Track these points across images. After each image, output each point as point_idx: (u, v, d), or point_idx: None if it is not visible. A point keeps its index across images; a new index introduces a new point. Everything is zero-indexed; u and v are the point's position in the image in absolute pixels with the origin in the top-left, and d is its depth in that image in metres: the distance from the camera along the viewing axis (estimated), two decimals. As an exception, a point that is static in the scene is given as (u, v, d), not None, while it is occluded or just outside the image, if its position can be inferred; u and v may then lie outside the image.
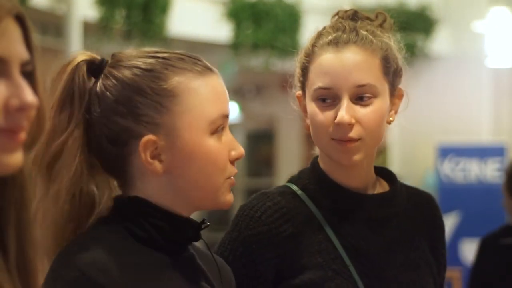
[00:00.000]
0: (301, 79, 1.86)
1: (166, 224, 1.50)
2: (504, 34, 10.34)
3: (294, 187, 1.86)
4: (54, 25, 8.86)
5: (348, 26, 1.85)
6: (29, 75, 1.13)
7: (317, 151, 1.91)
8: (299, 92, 1.88)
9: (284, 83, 1.93)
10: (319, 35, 1.85)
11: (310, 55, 1.83)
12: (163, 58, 1.52)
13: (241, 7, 9.99)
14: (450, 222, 7.60)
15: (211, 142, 1.51)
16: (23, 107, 1.08)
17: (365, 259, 1.80)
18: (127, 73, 1.51)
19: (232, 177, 1.56)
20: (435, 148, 9.08)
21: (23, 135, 1.09)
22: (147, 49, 1.57)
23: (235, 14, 9.99)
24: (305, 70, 1.84)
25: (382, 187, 1.91)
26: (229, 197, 1.55)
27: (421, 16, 11.87)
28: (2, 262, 1.11)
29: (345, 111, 1.77)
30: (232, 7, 10.03)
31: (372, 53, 1.83)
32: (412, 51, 11.71)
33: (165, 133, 1.49)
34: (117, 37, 9.06)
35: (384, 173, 1.94)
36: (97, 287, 1.39)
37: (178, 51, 1.56)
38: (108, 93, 1.50)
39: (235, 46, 9.90)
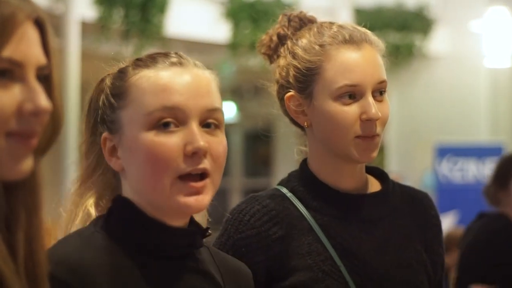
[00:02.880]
0: (303, 79, 1.84)
1: (146, 228, 1.46)
2: (502, 34, 10.36)
3: (284, 190, 1.86)
4: (52, 24, 8.83)
5: (352, 25, 1.86)
6: (46, 79, 1.13)
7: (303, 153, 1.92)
8: (291, 93, 1.85)
9: (259, 83, 1.92)
10: (319, 34, 1.84)
11: (320, 54, 1.82)
12: (139, 59, 1.52)
13: (239, 7, 10.00)
14: (448, 221, 7.60)
15: (148, 137, 1.42)
16: (36, 112, 1.08)
17: (356, 259, 1.80)
18: (106, 81, 1.54)
19: (188, 181, 1.41)
20: (433, 148, 9.09)
21: (34, 141, 1.09)
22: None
23: (233, 14, 10.00)
24: (314, 70, 1.82)
25: (374, 186, 1.91)
26: (185, 200, 1.41)
27: (419, 16, 11.89)
28: (12, 266, 1.11)
29: (375, 107, 1.79)
30: (230, 7, 10.04)
31: (379, 51, 1.85)
32: (410, 51, 11.73)
33: (115, 129, 1.48)
34: (115, 37, 9.06)
35: (375, 172, 1.93)
36: (62, 285, 1.35)
37: (160, 51, 1.54)
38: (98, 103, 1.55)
39: (233, 46, 9.91)
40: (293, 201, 1.83)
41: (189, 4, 9.82)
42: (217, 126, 1.46)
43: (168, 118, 1.42)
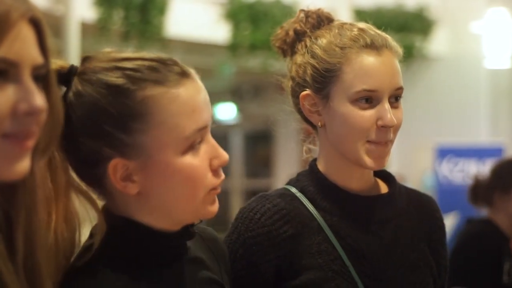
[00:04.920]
0: (320, 79, 1.83)
1: (153, 243, 1.43)
2: (502, 35, 10.35)
3: (293, 190, 1.86)
4: (52, 26, 8.83)
5: (373, 29, 1.86)
6: (43, 79, 1.12)
7: (315, 153, 1.92)
8: (307, 91, 1.85)
9: (278, 84, 1.91)
10: (340, 36, 1.84)
11: (340, 56, 1.81)
12: (131, 69, 1.40)
13: (239, 8, 10.00)
14: (448, 223, 7.59)
15: (186, 160, 1.40)
16: (31, 112, 1.07)
17: (365, 260, 1.81)
18: (91, 90, 1.40)
19: (216, 188, 1.45)
20: (433, 149, 9.08)
21: (31, 142, 1.08)
22: (118, 55, 1.44)
23: (233, 15, 10.00)
24: (333, 72, 1.82)
25: (381, 188, 1.92)
26: (212, 208, 1.46)
27: (419, 17, 11.88)
28: (10, 265, 1.11)
29: (391, 114, 1.80)
30: (230, 8, 10.04)
31: (398, 57, 1.86)
32: (410, 52, 11.72)
33: (135, 154, 1.38)
34: (115, 38, 9.06)
35: (382, 174, 1.94)
36: None
37: (151, 56, 1.43)
38: (75, 110, 1.40)
39: (233, 47, 9.91)
40: (303, 201, 1.84)
41: (189, 5, 9.82)
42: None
43: (199, 138, 1.43)
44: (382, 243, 1.84)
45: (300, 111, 1.89)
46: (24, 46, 1.08)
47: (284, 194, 1.85)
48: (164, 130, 1.39)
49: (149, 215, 1.43)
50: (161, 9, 9.29)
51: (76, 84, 1.42)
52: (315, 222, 1.82)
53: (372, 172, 1.90)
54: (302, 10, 1.93)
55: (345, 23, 1.88)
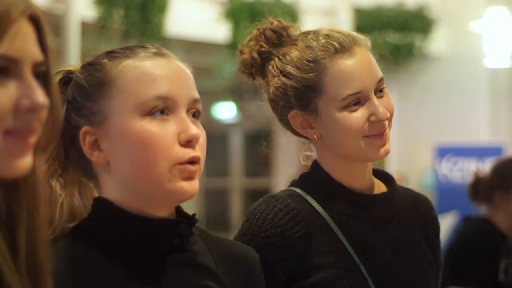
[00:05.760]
0: (303, 96, 1.83)
1: (133, 228, 1.44)
2: (501, 34, 10.35)
3: (298, 190, 1.88)
4: (52, 24, 8.83)
5: (336, 31, 1.86)
6: (43, 76, 1.12)
7: (314, 155, 1.93)
8: (294, 111, 1.85)
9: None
10: (309, 48, 1.83)
11: (315, 70, 1.81)
12: (115, 51, 1.50)
13: (239, 7, 9.99)
14: (447, 222, 7.60)
15: (143, 125, 1.42)
16: (33, 108, 1.07)
17: (373, 257, 1.83)
18: (79, 74, 1.52)
19: (185, 164, 1.43)
20: (433, 148, 9.08)
21: (33, 139, 1.09)
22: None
23: (233, 14, 9.99)
24: (313, 86, 1.82)
25: (380, 188, 1.93)
26: (185, 185, 1.42)
27: (419, 16, 11.88)
28: (12, 264, 1.11)
29: (382, 108, 1.81)
30: (230, 7, 10.03)
31: (368, 49, 1.86)
32: (410, 51, 11.72)
33: (100, 120, 1.46)
34: (115, 37, 9.06)
35: (380, 174, 1.96)
36: None
37: (140, 44, 1.53)
38: (66, 96, 1.51)
39: (233, 46, 9.90)
40: (310, 201, 1.85)
41: (189, 4, 9.82)
42: (198, 117, 1.49)
43: (161, 107, 1.43)
44: (387, 241, 1.86)
45: (292, 130, 1.90)
46: (24, 43, 1.09)
47: (292, 195, 1.87)
48: (123, 95, 1.44)
49: (122, 192, 1.45)
50: (161, 8, 9.28)
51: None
52: (324, 222, 1.83)
53: (371, 171, 1.92)
54: (257, 29, 1.94)
55: (308, 33, 1.88)
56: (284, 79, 1.85)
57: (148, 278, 1.44)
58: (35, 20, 1.12)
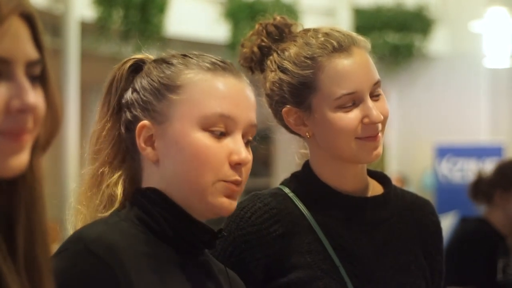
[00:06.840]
0: (298, 93, 1.83)
1: (178, 220, 1.50)
2: (501, 34, 10.36)
3: (286, 190, 1.87)
4: (51, 25, 8.86)
5: (337, 30, 1.85)
6: (40, 75, 1.11)
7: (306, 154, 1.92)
8: (288, 107, 1.85)
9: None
10: (307, 45, 1.83)
11: (312, 67, 1.81)
12: (185, 56, 1.55)
13: (238, 7, 10.00)
14: (447, 222, 7.60)
15: (200, 137, 1.48)
16: (24, 109, 1.06)
17: (355, 260, 1.81)
18: (152, 68, 1.55)
19: (230, 183, 1.49)
20: (433, 148, 9.09)
21: (26, 137, 1.08)
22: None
23: (233, 14, 10.00)
24: (309, 83, 1.81)
25: (376, 190, 1.91)
26: (222, 201, 1.49)
27: (419, 16, 11.89)
28: (10, 263, 1.10)
29: (375, 110, 1.80)
30: (230, 7, 10.04)
31: (367, 51, 1.85)
32: (410, 51, 11.73)
33: (160, 120, 1.50)
34: (114, 37, 9.06)
35: (378, 176, 1.94)
36: (99, 261, 1.39)
37: (214, 57, 1.57)
38: (133, 84, 1.56)
39: (233, 46, 9.91)
40: (295, 201, 1.84)
41: (189, 4, 9.82)
42: (250, 142, 1.55)
43: (221, 125, 1.49)
44: (374, 244, 1.84)
45: (286, 126, 1.89)
46: (15, 42, 1.06)
47: (276, 193, 1.86)
48: (190, 104, 1.50)
49: (165, 185, 1.50)
50: (161, 8, 9.29)
51: (146, 69, 1.58)
52: (306, 222, 1.82)
53: (365, 172, 1.90)
54: (260, 24, 1.94)
55: (308, 31, 1.87)
56: (281, 74, 1.85)
57: (183, 273, 1.50)
58: (28, 18, 1.09)
